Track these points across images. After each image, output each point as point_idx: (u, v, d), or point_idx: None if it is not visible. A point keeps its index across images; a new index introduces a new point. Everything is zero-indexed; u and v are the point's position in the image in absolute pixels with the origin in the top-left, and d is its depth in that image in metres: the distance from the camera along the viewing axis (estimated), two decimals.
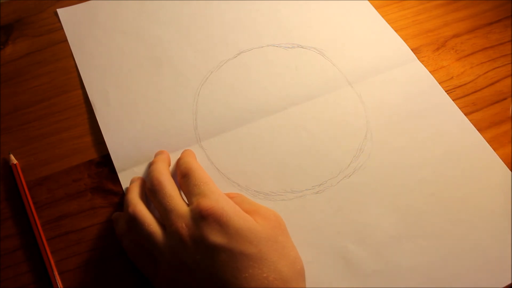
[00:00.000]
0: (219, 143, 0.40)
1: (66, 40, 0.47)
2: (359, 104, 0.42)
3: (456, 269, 0.35)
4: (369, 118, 0.42)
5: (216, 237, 0.29)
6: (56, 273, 0.34)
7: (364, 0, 0.50)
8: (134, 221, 0.32)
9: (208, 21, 0.47)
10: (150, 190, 0.34)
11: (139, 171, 0.38)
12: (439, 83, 0.44)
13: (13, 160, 0.39)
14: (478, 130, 0.42)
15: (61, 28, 0.48)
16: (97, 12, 0.48)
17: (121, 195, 0.38)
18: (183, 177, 0.34)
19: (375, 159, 0.39)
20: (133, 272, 0.35)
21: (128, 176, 0.38)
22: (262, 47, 0.46)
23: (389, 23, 0.49)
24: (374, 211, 0.37)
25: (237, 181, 0.38)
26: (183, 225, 0.30)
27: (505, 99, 0.44)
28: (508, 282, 0.35)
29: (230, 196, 0.34)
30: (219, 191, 0.32)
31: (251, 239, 0.29)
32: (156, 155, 0.38)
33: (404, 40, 0.48)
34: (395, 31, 0.48)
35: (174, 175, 0.37)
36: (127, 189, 0.37)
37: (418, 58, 0.46)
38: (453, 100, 0.44)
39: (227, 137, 0.40)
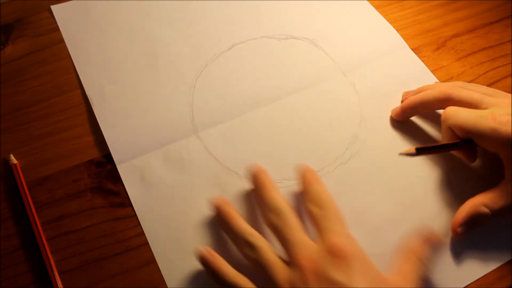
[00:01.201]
0: (216, 133, 0.40)
1: (65, 41, 0.47)
2: (352, 93, 0.43)
3: (456, 249, 0.35)
4: (363, 106, 0.42)
5: (340, 275, 0.29)
6: (56, 273, 0.34)
7: None
8: (254, 250, 0.32)
9: (201, 14, 0.48)
10: (270, 220, 0.33)
11: (138, 163, 0.39)
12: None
13: (13, 160, 0.39)
14: None
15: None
16: (91, 8, 0.48)
17: (121, 195, 0.38)
18: (317, 206, 0.33)
19: (370, 145, 0.40)
20: (133, 272, 0.35)
21: (128, 168, 0.38)
22: (256, 38, 0.46)
23: (389, 23, 0.49)
24: (371, 196, 0.38)
25: (236, 170, 0.38)
26: (306, 258, 0.30)
27: None
28: (507, 259, 0.35)
29: None
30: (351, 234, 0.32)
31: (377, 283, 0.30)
32: (256, 174, 0.36)
33: (404, 40, 0.48)
34: (396, 31, 0.49)
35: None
36: (228, 219, 0.35)
37: (419, 58, 0.46)
38: None
39: (224, 127, 0.41)
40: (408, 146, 0.40)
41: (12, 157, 0.39)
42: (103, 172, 0.39)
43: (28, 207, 0.36)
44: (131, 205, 0.37)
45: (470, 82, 0.45)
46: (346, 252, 0.30)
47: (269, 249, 0.32)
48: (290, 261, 0.31)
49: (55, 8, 0.48)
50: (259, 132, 0.41)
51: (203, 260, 0.33)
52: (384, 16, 0.50)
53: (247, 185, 0.38)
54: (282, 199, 0.34)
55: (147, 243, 0.36)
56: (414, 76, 0.45)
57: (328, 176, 0.39)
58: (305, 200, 0.34)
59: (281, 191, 0.37)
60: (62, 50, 0.46)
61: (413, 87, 0.43)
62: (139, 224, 0.36)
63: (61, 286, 0.34)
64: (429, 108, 0.40)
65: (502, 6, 0.51)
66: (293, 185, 0.38)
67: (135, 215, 0.37)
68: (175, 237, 0.36)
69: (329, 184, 0.38)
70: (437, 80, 0.45)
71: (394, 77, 0.45)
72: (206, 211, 0.37)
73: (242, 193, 0.38)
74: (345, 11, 0.49)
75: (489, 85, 0.45)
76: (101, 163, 0.39)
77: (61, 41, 0.47)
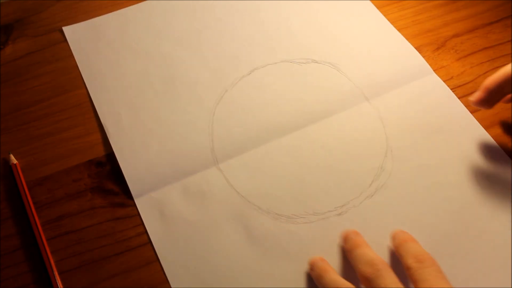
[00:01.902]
0: (238, 164, 0.39)
1: (66, 40, 0.47)
2: (377, 120, 0.41)
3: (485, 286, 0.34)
4: (389, 135, 0.40)
5: None
6: (56, 273, 0.34)
7: (376, 12, 0.49)
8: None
9: (219, 37, 0.46)
10: (363, 273, 0.31)
11: (157, 196, 0.37)
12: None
13: (13, 160, 0.39)
14: None
15: (61, 28, 0.48)
16: (105, 30, 0.47)
17: (121, 195, 0.38)
18: (417, 261, 0.31)
19: (396, 177, 0.38)
20: (133, 272, 0.35)
21: (145, 202, 0.37)
22: (276, 63, 0.45)
23: (413, 47, 0.48)
24: None
25: (258, 204, 0.37)
26: None
27: (505, 99, 0.44)
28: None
29: None
30: None
31: None
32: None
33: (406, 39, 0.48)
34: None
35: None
36: (322, 272, 0.33)
37: (445, 83, 0.46)
38: None
39: (245, 158, 0.39)
40: (437, 179, 0.38)
41: (12, 157, 0.39)
42: (103, 172, 0.39)
43: (28, 207, 0.36)
44: (131, 205, 0.37)
45: (470, 82, 0.46)
46: None
47: None
48: None
49: (67, 30, 0.47)
50: (280, 162, 0.39)
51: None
52: (384, 16, 0.50)
53: (268, 221, 0.36)
54: (376, 254, 0.32)
55: (147, 243, 0.36)
56: (440, 102, 0.43)
57: (354, 210, 0.37)
58: (402, 256, 0.32)
59: (306, 226, 0.36)
60: (62, 50, 0.46)
61: (440, 114, 0.41)
62: (145, 232, 0.36)
63: (61, 286, 0.34)
64: None
65: (502, 6, 0.51)
66: (318, 220, 0.36)
67: (137, 214, 0.37)
68: (197, 276, 0.34)
69: (355, 219, 0.36)
70: (464, 107, 0.43)
71: (420, 104, 0.43)
72: (228, 247, 0.35)
73: (264, 231, 0.36)
74: (368, 34, 0.47)
75: None
76: (101, 163, 0.39)
77: (61, 41, 0.47)
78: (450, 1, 0.51)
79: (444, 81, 0.45)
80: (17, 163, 0.38)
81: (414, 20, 0.49)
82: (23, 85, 0.44)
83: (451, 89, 0.45)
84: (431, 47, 0.48)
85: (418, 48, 0.47)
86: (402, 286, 0.30)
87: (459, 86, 0.45)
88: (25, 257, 0.35)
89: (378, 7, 0.50)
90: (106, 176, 0.39)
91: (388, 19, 0.49)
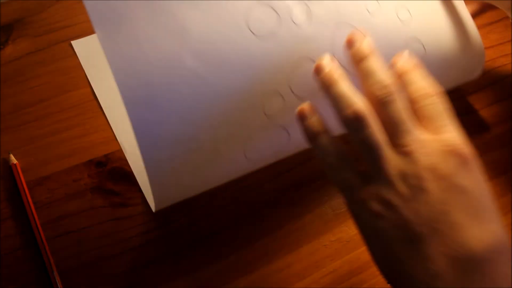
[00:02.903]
0: None
1: (66, 40, 0.47)
2: None
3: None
4: None
5: (464, 180, 0.27)
6: (56, 273, 0.34)
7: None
8: (364, 121, 0.27)
9: None
10: (382, 102, 0.28)
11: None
12: None
13: (13, 160, 0.39)
14: (478, 130, 0.42)
15: (61, 28, 0.48)
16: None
17: (121, 195, 0.38)
18: (428, 96, 0.29)
19: None
20: (133, 272, 0.35)
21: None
22: None
23: None
24: None
25: None
26: (423, 152, 0.27)
27: (505, 99, 0.44)
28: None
29: None
30: None
31: (489, 195, 0.27)
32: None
33: None
34: None
35: None
36: (328, 79, 0.29)
37: None
38: (453, 100, 0.44)
39: None
40: None
41: (12, 157, 0.39)
42: (103, 172, 0.39)
43: (28, 207, 0.36)
44: (131, 205, 0.37)
45: (469, 81, 0.46)
46: (470, 156, 0.27)
47: (378, 126, 0.28)
48: (403, 150, 0.27)
49: (76, 44, 0.45)
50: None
51: (302, 115, 0.30)
52: None
53: None
54: (387, 73, 0.29)
55: (147, 243, 0.36)
56: None
57: None
58: (408, 85, 0.29)
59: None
60: (62, 50, 0.46)
61: None
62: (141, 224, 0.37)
63: (61, 286, 0.34)
64: None
65: None
66: None
67: (137, 214, 0.37)
68: None
69: None
70: None
71: None
72: None
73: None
74: None
75: (489, 85, 0.45)
76: (101, 163, 0.39)
77: (61, 41, 0.47)
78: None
79: None
80: (17, 163, 0.38)
81: None
82: (23, 85, 0.44)
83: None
84: None
85: None
86: (412, 117, 0.28)
87: (459, 86, 0.45)
88: (25, 257, 0.35)
89: None
90: (106, 176, 0.39)
91: None
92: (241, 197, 0.39)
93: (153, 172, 0.29)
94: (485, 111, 0.44)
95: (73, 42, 0.46)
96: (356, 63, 0.30)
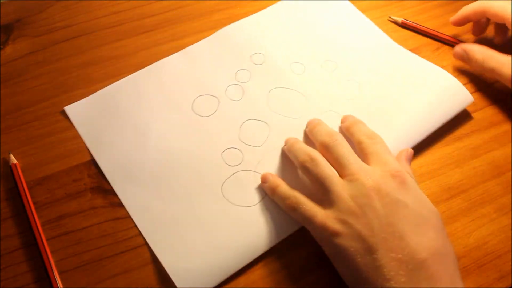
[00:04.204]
0: None
1: (66, 40, 0.47)
2: None
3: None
4: None
5: (404, 196, 0.32)
6: (56, 273, 0.34)
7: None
8: (314, 162, 0.35)
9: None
10: (323, 141, 0.36)
11: None
12: None
13: (13, 160, 0.39)
14: (478, 130, 0.42)
15: (61, 28, 0.48)
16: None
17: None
18: (369, 138, 0.37)
19: None
20: (133, 272, 0.35)
21: None
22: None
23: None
24: None
25: None
26: (367, 176, 0.33)
27: (504, 99, 0.44)
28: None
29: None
30: None
31: (430, 209, 0.33)
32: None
33: (404, 40, 0.48)
34: (395, 30, 0.49)
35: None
36: (289, 142, 0.38)
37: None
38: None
39: None
40: None
41: (12, 157, 0.39)
42: (103, 172, 0.39)
43: (28, 207, 0.36)
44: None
45: (470, 82, 0.46)
46: (407, 178, 0.33)
47: (328, 164, 0.35)
48: (351, 178, 0.33)
49: (69, 109, 0.42)
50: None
51: (264, 179, 0.37)
52: (384, 16, 0.50)
53: None
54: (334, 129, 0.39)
55: (147, 243, 0.36)
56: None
57: None
58: (353, 134, 0.38)
59: None
60: (62, 50, 0.46)
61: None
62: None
63: (61, 286, 0.34)
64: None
65: None
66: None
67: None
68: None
69: None
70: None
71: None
72: None
73: None
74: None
75: (489, 85, 0.45)
76: None
77: (61, 41, 0.47)
78: (450, 1, 0.51)
79: None
80: (17, 163, 0.38)
81: (414, 20, 0.49)
82: (23, 85, 0.44)
83: None
84: (431, 47, 0.48)
85: (418, 48, 0.47)
86: (355, 154, 0.35)
87: None
88: (25, 257, 0.35)
89: (378, 7, 0.50)
90: (106, 176, 0.39)
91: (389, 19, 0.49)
92: None
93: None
94: (485, 111, 0.43)
95: (66, 108, 0.42)
96: (310, 132, 0.39)
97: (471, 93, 0.43)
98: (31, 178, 0.38)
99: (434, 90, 0.43)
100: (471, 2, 0.45)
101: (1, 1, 0.49)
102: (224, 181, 0.38)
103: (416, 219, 0.32)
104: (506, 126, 0.43)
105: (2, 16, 0.48)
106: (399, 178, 0.33)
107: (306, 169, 0.35)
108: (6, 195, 0.38)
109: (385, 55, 0.46)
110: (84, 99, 0.42)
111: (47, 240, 0.36)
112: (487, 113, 0.43)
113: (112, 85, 0.43)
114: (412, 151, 0.38)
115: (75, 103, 0.42)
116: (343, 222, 0.32)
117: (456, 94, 0.42)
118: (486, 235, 0.37)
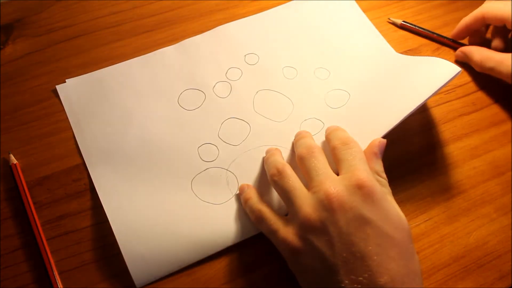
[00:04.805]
0: None
1: (66, 40, 0.47)
2: None
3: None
4: None
5: (368, 212, 0.30)
6: (56, 273, 0.34)
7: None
8: (281, 175, 0.34)
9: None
10: (299, 153, 0.36)
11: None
12: None
13: (13, 160, 0.39)
14: (478, 130, 0.42)
15: (61, 28, 0.48)
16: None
17: None
18: (343, 144, 0.35)
19: None
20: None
21: None
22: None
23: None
24: None
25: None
26: (331, 187, 0.31)
27: (505, 99, 0.44)
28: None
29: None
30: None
31: (397, 225, 0.31)
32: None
33: (404, 40, 0.48)
34: (395, 31, 0.49)
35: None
36: (268, 153, 0.38)
37: None
38: (453, 100, 0.44)
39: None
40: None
41: (12, 157, 0.39)
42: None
43: (28, 207, 0.36)
44: None
45: (470, 82, 0.46)
46: (374, 189, 0.31)
47: (295, 177, 0.34)
48: (315, 190, 0.32)
49: (60, 88, 0.43)
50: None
51: (241, 189, 0.38)
52: (384, 16, 0.50)
53: None
54: (316, 143, 0.37)
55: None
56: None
57: None
58: (330, 140, 0.36)
59: None
60: (62, 50, 0.46)
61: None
62: None
63: (61, 286, 0.34)
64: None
65: None
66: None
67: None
68: None
69: None
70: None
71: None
72: None
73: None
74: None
75: (489, 85, 0.45)
76: None
77: (61, 41, 0.47)
78: (450, 1, 0.51)
79: None
80: (17, 163, 0.38)
81: (414, 20, 0.49)
82: (23, 85, 0.44)
83: (451, 89, 0.45)
84: (431, 47, 0.48)
85: (418, 48, 0.47)
86: (329, 166, 0.34)
87: (459, 86, 0.45)
88: (25, 257, 0.35)
89: (378, 7, 0.50)
90: None
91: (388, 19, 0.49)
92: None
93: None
94: (485, 111, 0.44)
95: (58, 87, 0.43)
96: (294, 143, 0.39)
97: (471, 93, 0.43)
98: (31, 178, 0.38)
99: (424, 73, 0.41)
100: (471, 2, 0.45)
101: (1, 1, 0.49)
102: (196, 175, 0.39)
103: (378, 238, 0.30)
104: (506, 126, 0.43)
105: (2, 16, 0.48)
106: (366, 189, 0.31)
107: (274, 182, 0.35)
108: (6, 195, 0.38)
109: (384, 65, 0.45)
110: (76, 78, 0.44)
111: (47, 240, 0.36)
112: (487, 113, 0.43)
113: (105, 68, 0.45)
114: (384, 141, 0.36)
115: (67, 81, 0.44)
116: (304, 238, 0.31)
117: (442, 67, 0.40)
118: (486, 235, 0.37)
